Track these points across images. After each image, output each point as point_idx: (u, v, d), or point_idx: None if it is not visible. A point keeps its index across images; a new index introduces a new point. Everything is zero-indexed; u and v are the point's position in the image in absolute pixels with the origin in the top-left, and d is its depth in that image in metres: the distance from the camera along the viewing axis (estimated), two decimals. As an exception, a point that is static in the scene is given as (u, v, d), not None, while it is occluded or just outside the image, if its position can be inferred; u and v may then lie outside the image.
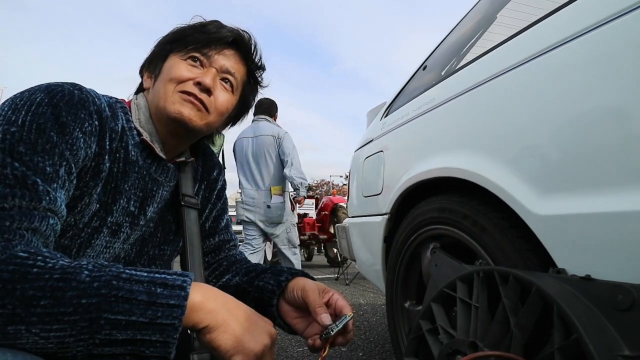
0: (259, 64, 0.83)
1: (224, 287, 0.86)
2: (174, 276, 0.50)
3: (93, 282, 0.46)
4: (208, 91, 0.72)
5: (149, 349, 0.47)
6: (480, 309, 0.68)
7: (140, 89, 0.80)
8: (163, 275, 0.50)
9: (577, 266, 0.66)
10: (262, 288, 0.76)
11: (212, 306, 0.51)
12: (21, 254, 0.46)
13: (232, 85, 0.78)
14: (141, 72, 0.80)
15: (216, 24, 0.77)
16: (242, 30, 0.79)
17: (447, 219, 1.05)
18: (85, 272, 0.46)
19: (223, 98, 0.76)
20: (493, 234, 0.88)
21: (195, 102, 0.71)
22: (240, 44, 0.78)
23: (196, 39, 0.74)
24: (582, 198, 0.67)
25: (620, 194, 0.61)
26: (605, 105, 0.65)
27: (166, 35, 0.77)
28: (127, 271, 0.49)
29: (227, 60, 0.76)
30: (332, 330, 0.62)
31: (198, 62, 0.74)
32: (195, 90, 0.71)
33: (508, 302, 0.62)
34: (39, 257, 0.46)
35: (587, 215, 0.65)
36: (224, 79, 0.76)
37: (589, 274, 0.58)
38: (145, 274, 0.49)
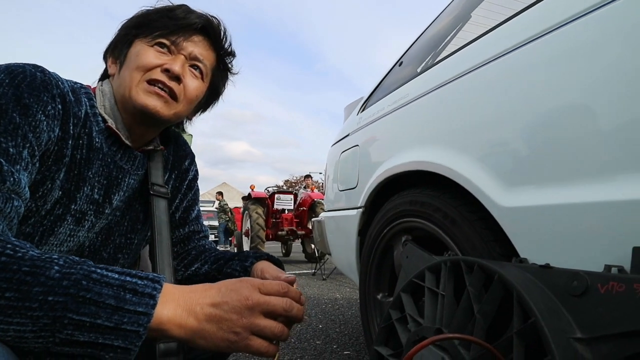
0: (229, 50, 0.81)
1: (193, 276, 0.85)
2: (145, 281, 0.49)
3: (62, 280, 0.44)
4: (177, 79, 0.71)
5: (109, 353, 0.46)
6: (447, 297, 0.70)
7: (105, 75, 0.78)
8: (134, 280, 0.48)
9: (538, 255, 0.69)
10: (229, 275, 0.77)
11: (181, 320, 0.49)
12: None
13: (201, 72, 0.76)
14: (105, 58, 0.77)
15: (184, 8, 0.74)
16: (211, 16, 0.77)
17: (419, 211, 1.06)
18: (56, 267, 0.45)
19: (193, 85, 0.74)
20: (462, 226, 0.90)
21: (161, 93, 0.70)
22: (209, 30, 0.76)
23: (163, 25, 0.71)
24: (542, 191, 0.69)
25: (578, 186, 0.63)
26: (565, 102, 0.67)
27: (130, 19, 0.74)
28: (99, 271, 0.47)
29: (195, 46, 0.74)
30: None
31: (166, 49, 0.72)
32: (163, 77, 0.69)
33: (472, 290, 0.64)
34: (9, 246, 0.45)
35: (546, 207, 0.68)
36: (193, 66, 0.75)
37: (549, 262, 0.61)
38: (117, 276, 0.48)
